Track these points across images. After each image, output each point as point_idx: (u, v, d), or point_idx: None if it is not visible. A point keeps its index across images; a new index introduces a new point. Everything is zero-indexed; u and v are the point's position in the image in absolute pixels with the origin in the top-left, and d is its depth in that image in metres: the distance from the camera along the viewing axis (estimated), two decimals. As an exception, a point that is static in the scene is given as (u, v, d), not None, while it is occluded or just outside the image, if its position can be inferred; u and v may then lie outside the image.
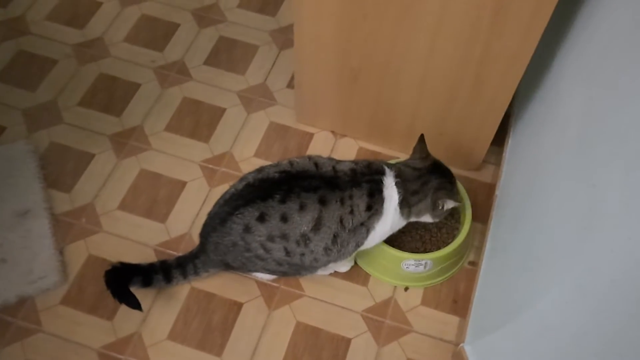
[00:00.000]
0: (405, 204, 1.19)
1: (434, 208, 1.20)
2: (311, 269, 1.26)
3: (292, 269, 1.24)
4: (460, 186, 1.40)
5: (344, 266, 1.37)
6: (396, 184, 1.18)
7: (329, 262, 1.23)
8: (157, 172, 1.53)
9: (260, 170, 1.20)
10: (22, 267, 1.34)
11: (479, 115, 1.38)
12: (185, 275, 1.30)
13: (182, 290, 1.35)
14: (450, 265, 1.37)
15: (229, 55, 1.78)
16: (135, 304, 1.21)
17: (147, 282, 1.26)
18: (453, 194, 1.23)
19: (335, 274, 1.38)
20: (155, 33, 1.81)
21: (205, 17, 1.86)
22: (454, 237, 1.35)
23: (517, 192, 1.28)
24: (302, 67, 1.46)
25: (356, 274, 1.39)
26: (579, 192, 0.81)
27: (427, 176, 1.21)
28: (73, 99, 1.65)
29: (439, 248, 1.34)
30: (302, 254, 1.18)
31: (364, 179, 1.17)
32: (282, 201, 1.13)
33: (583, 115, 0.90)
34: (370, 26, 1.25)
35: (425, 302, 1.36)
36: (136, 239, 1.42)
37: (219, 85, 1.71)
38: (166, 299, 1.34)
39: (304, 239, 1.16)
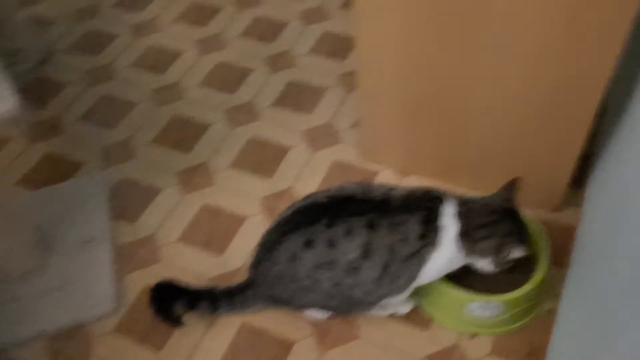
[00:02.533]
0: (467, 238, 1.09)
1: (498, 252, 1.09)
2: (364, 305, 1.17)
3: (343, 305, 1.16)
4: (537, 225, 1.28)
5: (403, 307, 1.27)
6: (457, 213, 1.08)
7: (381, 297, 1.14)
8: (218, 206, 1.53)
9: (309, 196, 1.16)
10: (80, 293, 1.36)
11: (554, 149, 1.27)
12: (232, 307, 1.25)
13: (233, 324, 1.30)
14: (524, 311, 1.22)
15: (297, 97, 1.79)
16: (174, 321, 1.20)
17: (191, 306, 1.23)
18: (523, 242, 1.09)
19: (395, 316, 1.28)
20: (229, 77, 1.87)
21: (277, 62, 1.90)
22: (528, 280, 1.21)
23: (597, 236, 1.14)
24: (364, 101, 1.43)
25: (418, 317, 1.28)
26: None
27: (501, 215, 1.10)
28: (146, 138, 1.72)
29: (510, 290, 1.20)
30: (352, 286, 1.10)
31: (419, 204, 1.09)
32: (329, 225, 1.08)
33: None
34: (431, 50, 1.21)
35: (495, 351, 1.22)
36: (193, 271, 1.40)
37: (285, 125, 1.71)
38: (216, 333, 1.29)
39: (353, 268, 1.08)
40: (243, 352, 1.25)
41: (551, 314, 1.26)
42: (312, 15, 2.05)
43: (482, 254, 1.10)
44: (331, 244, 1.08)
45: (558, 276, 1.31)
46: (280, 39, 1.99)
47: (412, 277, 1.11)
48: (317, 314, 1.26)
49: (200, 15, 2.10)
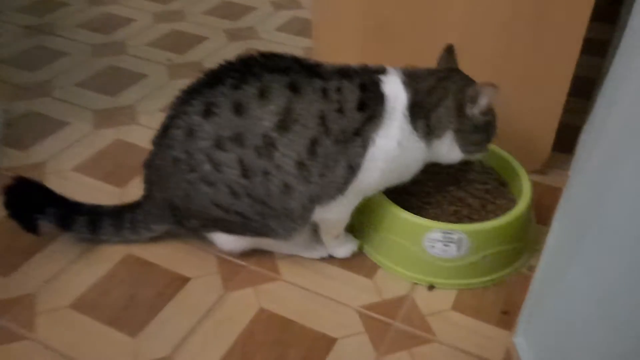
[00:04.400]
0: (418, 109, 0.83)
1: (459, 113, 0.84)
2: (286, 218, 0.86)
3: (254, 210, 0.85)
4: (519, 166, 1.02)
5: (342, 247, 0.96)
6: (403, 82, 0.84)
7: (310, 201, 0.84)
8: (133, 142, 1.26)
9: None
10: None
11: (537, 101, 1.06)
12: (118, 230, 0.94)
13: (114, 253, 0.98)
14: (500, 258, 0.92)
15: (253, 61, 1.58)
16: (29, 226, 0.89)
17: (64, 222, 0.92)
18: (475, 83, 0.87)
19: (330, 259, 0.97)
20: (181, 42, 1.68)
21: (237, 35, 1.73)
22: (504, 221, 0.93)
23: (581, 196, 0.89)
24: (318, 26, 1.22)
25: (360, 263, 0.97)
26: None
27: (447, 73, 0.88)
28: (70, 80, 1.48)
29: (481, 228, 0.92)
30: (266, 173, 0.81)
31: (358, 72, 0.85)
32: (237, 86, 0.81)
33: None
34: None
35: (458, 306, 0.90)
36: (80, 199, 1.09)
37: (233, 82, 1.49)
38: (90, 261, 0.97)
39: (267, 145, 0.80)
40: (119, 284, 0.93)
41: (533, 271, 0.96)
42: (284, 3, 1.91)
43: (441, 126, 0.85)
44: (238, 109, 0.80)
45: (542, 234, 1.02)
46: (246, 18, 1.83)
47: (355, 166, 0.82)
48: (227, 243, 0.94)
49: (165, -5, 1.95)
